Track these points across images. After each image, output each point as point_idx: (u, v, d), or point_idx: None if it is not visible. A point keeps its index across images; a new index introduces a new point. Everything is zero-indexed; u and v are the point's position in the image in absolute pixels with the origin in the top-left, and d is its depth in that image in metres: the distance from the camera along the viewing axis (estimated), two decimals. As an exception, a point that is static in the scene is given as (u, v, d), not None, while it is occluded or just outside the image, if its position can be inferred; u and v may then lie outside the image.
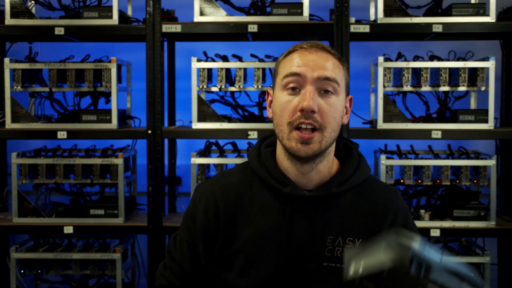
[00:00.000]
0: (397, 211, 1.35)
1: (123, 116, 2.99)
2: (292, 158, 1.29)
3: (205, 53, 2.88)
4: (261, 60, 2.82)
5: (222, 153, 2.96)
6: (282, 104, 1.28)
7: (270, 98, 1.37)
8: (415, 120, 2.86)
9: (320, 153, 1.28)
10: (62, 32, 2.78)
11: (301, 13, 2.76)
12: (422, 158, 2.82)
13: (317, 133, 1.25)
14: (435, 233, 2.69)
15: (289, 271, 1.29)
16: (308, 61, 1.27)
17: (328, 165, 1.33)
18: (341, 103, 1.29)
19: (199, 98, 2.76)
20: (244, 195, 1.35)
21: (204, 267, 1.37)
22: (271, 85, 1.36)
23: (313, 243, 1.29)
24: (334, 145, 1.33)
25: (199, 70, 2.76)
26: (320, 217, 1.30)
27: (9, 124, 2.81)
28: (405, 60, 2.83)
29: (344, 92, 1.31)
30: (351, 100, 1.37)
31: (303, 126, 1.24)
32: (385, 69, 2.74)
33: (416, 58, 2.85)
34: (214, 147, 3.00)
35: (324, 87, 1.26)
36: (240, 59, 2.83)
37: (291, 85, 1.27)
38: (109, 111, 2.80)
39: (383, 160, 2.72)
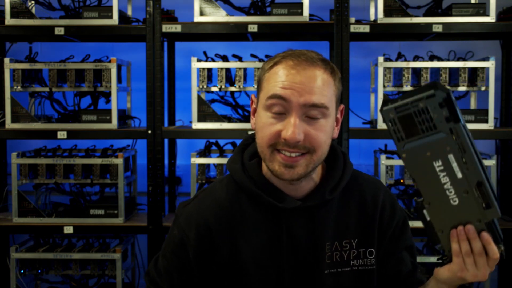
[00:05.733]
0: (384, 202, 1.33)
1: (123, 116, 3.00)
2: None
3: (205, 53, 2.88)
4: (261, 60, 2.82)
5: (222, 153, 2.96)
6: (265, 126, 1.18)
7: (254, 106, 1.27)
8: (415, 120, 2.86)
9: (307, 175, 1.21)
10: (62, 32, 2.78)
11: (301, 13, 2.75)
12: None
13: (306, 156, 1.18)
14: (435, 233, 2.69)
15: (293, 286, 1.26)
16: (295, 83, 1.16)
17: (317, 171, 1.28)
18: (330, 124, 1.21)
19: (199, 98, 2.76)
20: (236, 213, 1.27)
21: None
22: (255, 93, 1.28)
23: (313, 253, 1.26)
24: None
25: (199, 70, 2.76)
26: (315, 225, 1.26)
27: (9, 124, 2.81)
28: (405, 60, 2.83)
29: (334, 111, 1.22)
30: (343, 110, 1.28)
31: (287, 153, 1.17)
32: (385, 69, 2.74)
33: (416, 58, 2.85)
34: (214, 147, 3.00)
35: (311, 114, 1.16)
36: (240, 59, 2.83)
37: (275, 109, 1.17)
38: (109, 111, 2.80)
39: (383, 160, 2.72)
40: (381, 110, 1.05)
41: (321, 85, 1.17)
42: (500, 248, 1.10)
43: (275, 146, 1.18)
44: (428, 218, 1.09)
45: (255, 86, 2.77)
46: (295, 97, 1.16)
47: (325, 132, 1.19)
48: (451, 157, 1.03)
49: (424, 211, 1.09)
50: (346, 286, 1.28)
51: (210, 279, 1.28)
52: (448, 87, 2.73)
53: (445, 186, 1.05)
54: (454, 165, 1.03)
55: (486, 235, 1.08)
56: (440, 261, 1.15)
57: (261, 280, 1.25)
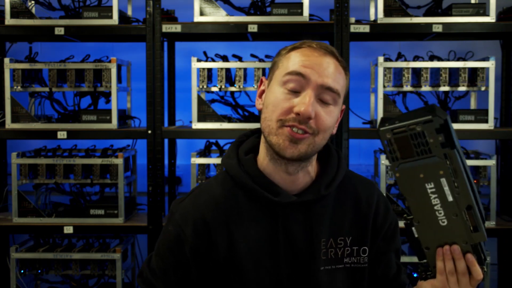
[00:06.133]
0: (378, 203, 1.34)
1: (123, 116, 3.00)
2: (277, 157, 1.23)
3: (205, 53, 2.88)
4: (261, 60, 2.82)
5: (222, 153, 2.96)
6: (277, 100, 1.20)
7: (263, 87, 1.29)
8: (415, 120, 2.86)
9: (306, 158, 1.22)
10: (62, 32, 2.78)
11: (301, 13, 2.76)
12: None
13: (310, 136, 1.19)
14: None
15: (290, 282, 1.26)
16: (315, 64, 1.20)
17: (313, 166, 1.30)
18: (336, 113, 1.24)
19: (199, 98, 2.76)
20: (232, 209, 1.27)
21: None
22: (267, 77, 1.30)
23: (309, 249, 1.26)
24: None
25: (199, 70, 2.76)
26: (311, 221, 1.26)
27: (9, 124, 2.81)
28: (405, 60, 2.83)
29: (341, 104, 1.27)
30: (343, 111, 1.31)
31: (294, 129, 1.18)
32: (385, 69, 2.74)
33: (416, 58, 2.85)
34: (214, 147, 3.00)
35: (324, 97, 1.20)
36: (240, 59, 2.83)
37: (291, 85, 1.19)
38: (109, 111, 2.80)
39: (383, 160, 2.72)
40: (378, 130, 1.06)
41: (337, 74, 1.22)
42: (483, 269, 1.13)
43: (284, 122, 1.19)
44: (416, 235, 1.12)
45: (255, 86, 2.78)
46: (314, 76, 1.19)
47: (332, 118, 1.23)
48: (443, 180, 1.05)
49: (413, 228, 1.12)
50: (338, 284, 1.29)
51: (207, 276, 1.27)
52: (448, 88, 2.74)
53: (435, 207, 1.08)
54: (446, 188, 1.06)
55: (471, 257, 1.11)
56: (424, 275, 1.18)
57: (258, 275, 1.25)
